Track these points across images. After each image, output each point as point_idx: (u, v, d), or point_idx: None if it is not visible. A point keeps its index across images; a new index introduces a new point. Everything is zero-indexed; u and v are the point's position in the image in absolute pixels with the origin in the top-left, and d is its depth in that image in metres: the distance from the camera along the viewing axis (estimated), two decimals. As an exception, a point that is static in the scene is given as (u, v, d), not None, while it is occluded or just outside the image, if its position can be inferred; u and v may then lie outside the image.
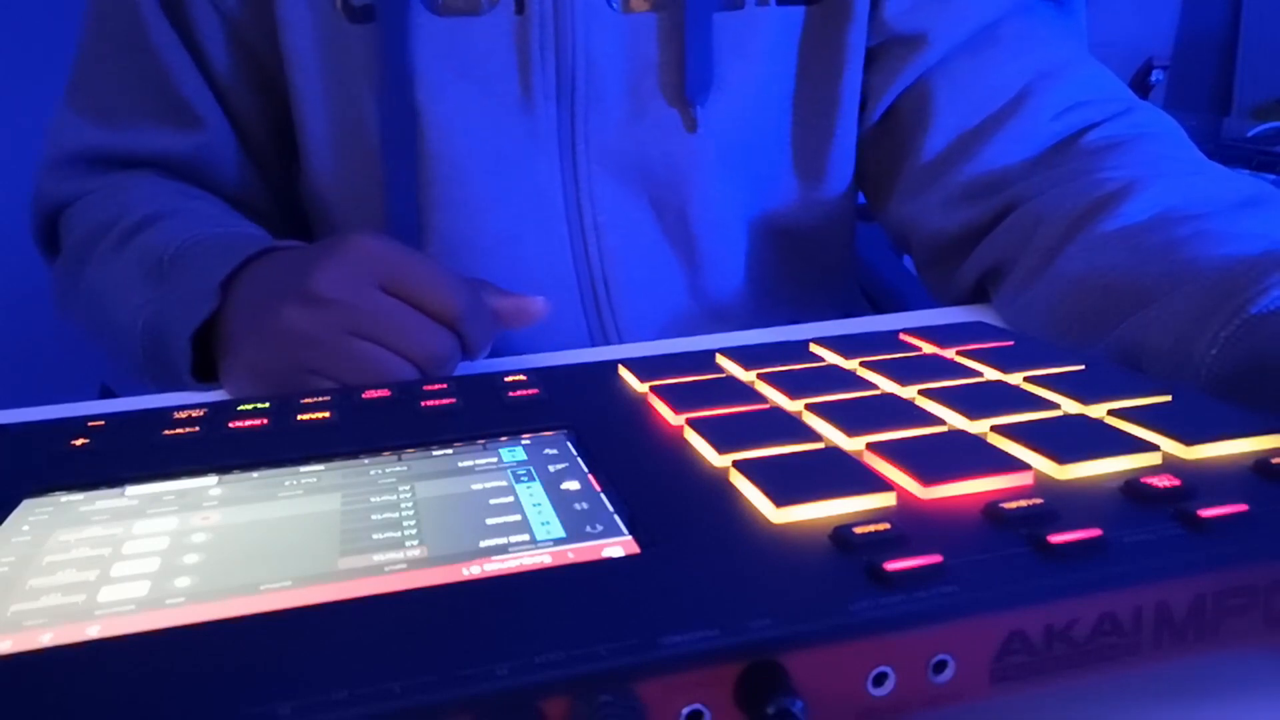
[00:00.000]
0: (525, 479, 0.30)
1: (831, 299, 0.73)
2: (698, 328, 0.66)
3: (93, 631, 0.23)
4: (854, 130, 0.65)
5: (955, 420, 0.31)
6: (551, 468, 0.31)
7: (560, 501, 0.28)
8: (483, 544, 0.26)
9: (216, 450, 0.33)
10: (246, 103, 0.64)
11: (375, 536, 0.27)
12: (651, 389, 0.36)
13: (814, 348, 0.41)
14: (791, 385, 0.35)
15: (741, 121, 0.63)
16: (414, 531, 0.27)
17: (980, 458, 0.27)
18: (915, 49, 0.62)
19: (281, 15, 0.59)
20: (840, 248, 0.72)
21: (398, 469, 0.31)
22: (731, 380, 0.36)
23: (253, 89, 0.64)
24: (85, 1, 0.63)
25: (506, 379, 0.39)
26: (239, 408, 0.36)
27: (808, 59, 0.64)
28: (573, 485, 0.29)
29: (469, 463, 0.31)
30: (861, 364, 0.38)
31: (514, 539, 0.26)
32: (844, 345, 0.40)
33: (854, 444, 0.30)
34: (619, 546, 0.25)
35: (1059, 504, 0.25)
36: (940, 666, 0.21)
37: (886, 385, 0.35)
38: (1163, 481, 0.25)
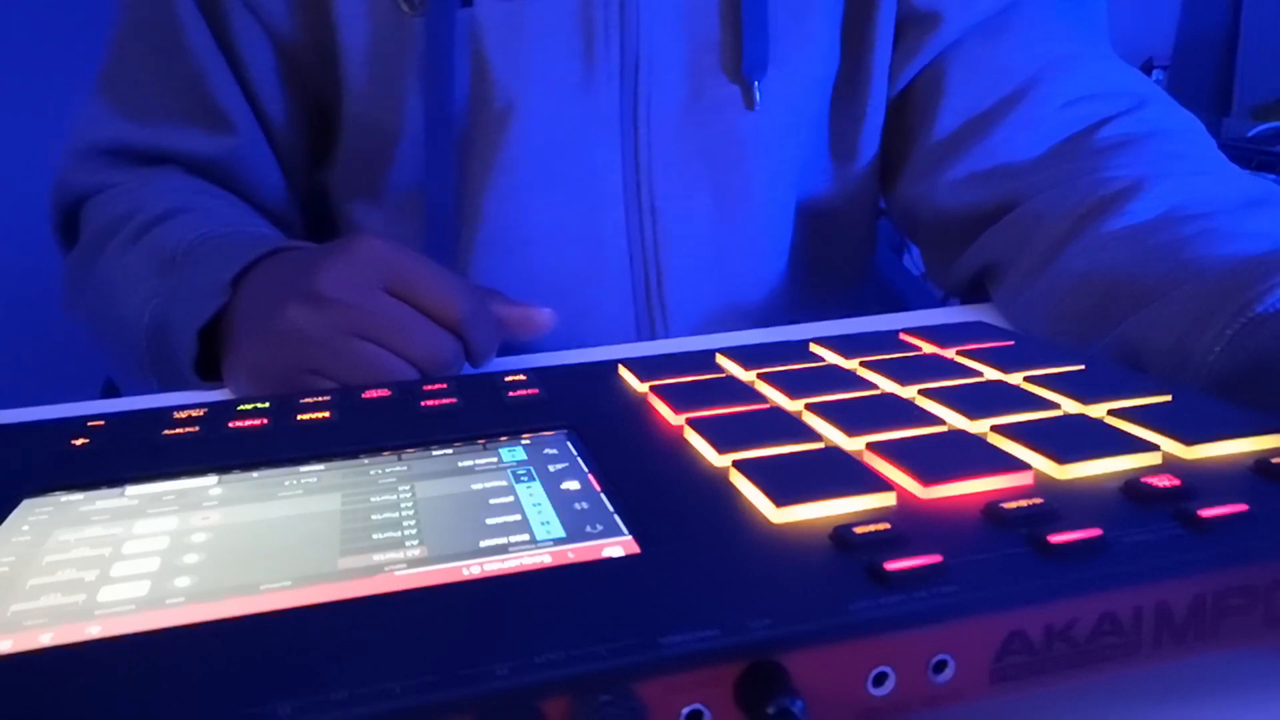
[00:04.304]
0: (525, 479, 0.30)
1: (857, 284, 0.73)
2: (743, 315, 0.66)
3: (93, 631, 0.23)
4: (882, 110, 0.65)
5: (955, 420, 0.31)
6: (551, 468, 0.31)
7: (560, 501, 0.28)
8: (483, 544, 0.26)
9: (216, 450, 0.33)
10: (281, 108, 0.63)
11: (375, 536, 0.27)
12: (651, 389, 0.36)
13: (814, 347, 0.41)
14: (791, 385, 0.35)
15: (796, 100, 0.63)
16: (414, 531, 0.27)
17: (980, 458, 0.27)
18: (930, 27, 0.62)
19: (338, 13, 0.58)
20: (866, 233, 0.72)
21: (398, 469, 0.31)
22: (731, 380, 0.36)
23: (289, 95, 0.63)
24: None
25: (506, 379, 0.39)
26: (239, 407, 0.36)
27: (847, 36, 0.64)
28: (573, 485, 0.29)
29: (469, 463, 0.31)
30: (861, 364, 0.38)
31: (514, 539, 0.26)
32: (844, 345, 0.40)
33: (854, 444, 0.30)
34: (619, 546, 0.25)
35: (1059, 504, 0.25)
36: (940, 666, 0.21)
37: (886, 385, 0.35)
38: (1163, 481, 0.25)
